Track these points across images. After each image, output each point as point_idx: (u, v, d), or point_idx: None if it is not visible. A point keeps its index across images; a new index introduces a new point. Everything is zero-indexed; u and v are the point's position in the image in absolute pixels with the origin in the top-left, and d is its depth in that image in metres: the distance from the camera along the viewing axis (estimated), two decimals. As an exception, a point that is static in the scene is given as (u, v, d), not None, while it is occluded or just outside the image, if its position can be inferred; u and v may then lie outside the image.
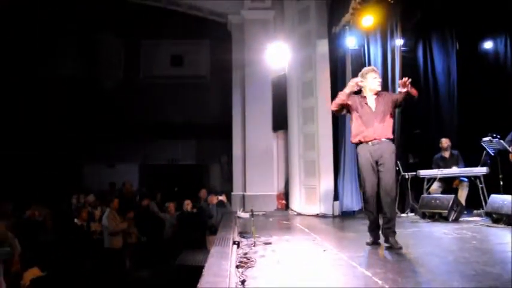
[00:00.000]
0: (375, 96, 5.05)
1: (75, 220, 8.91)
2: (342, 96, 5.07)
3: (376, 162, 4.91)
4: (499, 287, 3.17)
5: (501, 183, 7.30)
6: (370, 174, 4.91)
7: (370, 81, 5.05)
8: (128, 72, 15.22)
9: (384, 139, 4.92)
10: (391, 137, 5.03)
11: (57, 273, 6.10)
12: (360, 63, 8.65)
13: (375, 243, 4.98)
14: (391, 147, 4.95)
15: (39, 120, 13.75)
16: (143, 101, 14.50)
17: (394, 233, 4.81)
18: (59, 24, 13.54)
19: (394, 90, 8.13)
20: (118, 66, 15.26)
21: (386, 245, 4.79)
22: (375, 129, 4.92)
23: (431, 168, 8.19)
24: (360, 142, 4.98)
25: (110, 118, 14.30)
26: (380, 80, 5.14)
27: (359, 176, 5.22)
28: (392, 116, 5.12)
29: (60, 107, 14.04)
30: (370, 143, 4.92)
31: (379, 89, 5.10)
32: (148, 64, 15.35)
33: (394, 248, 4.67)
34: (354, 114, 5.08)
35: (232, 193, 10.33)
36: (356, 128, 5.04)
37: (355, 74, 8.55)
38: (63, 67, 14.23)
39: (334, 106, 5.16)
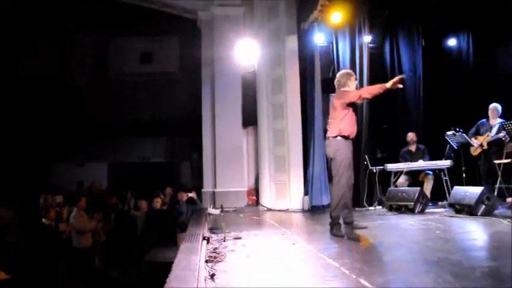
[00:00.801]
0: None
1: (43, 220, 8.73)
2: (381, 90, 5.08)
3: None
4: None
5: (464, 175, 7.57)
6: (351, 168, 5.13)
7: (353, 82, 5.36)
8: (97, 69, 15.02)
9: None
10: None
11: (24, 275, 5.95)
12: (329, 59, 8.76)
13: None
14: None
15: (8, 119, 13.37)
16: (112, 99, 14.35)
17: None
18: (25, 22, 13.18)
19: (361, 85, 8.29)
20: (87, 64, 15.02)
21: (354, 234, 4.96)
22: None
23: (398, 162, 8.37)
24: (348, 137, 5.14)
25: (79, 116, 14.09)
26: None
27: (329, 170, 5.38)
28: None
29: (29, 105, 13.75)
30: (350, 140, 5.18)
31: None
32: (118, 61, 15.17)
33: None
34: (350, 110, 5.22)
35: (203, 190, 10.21)
36: (352, 124, 5.19)
37: (323, 71, 8.75)
38: (30, 66, 13.88)
39: (370, 96, 5.21)
